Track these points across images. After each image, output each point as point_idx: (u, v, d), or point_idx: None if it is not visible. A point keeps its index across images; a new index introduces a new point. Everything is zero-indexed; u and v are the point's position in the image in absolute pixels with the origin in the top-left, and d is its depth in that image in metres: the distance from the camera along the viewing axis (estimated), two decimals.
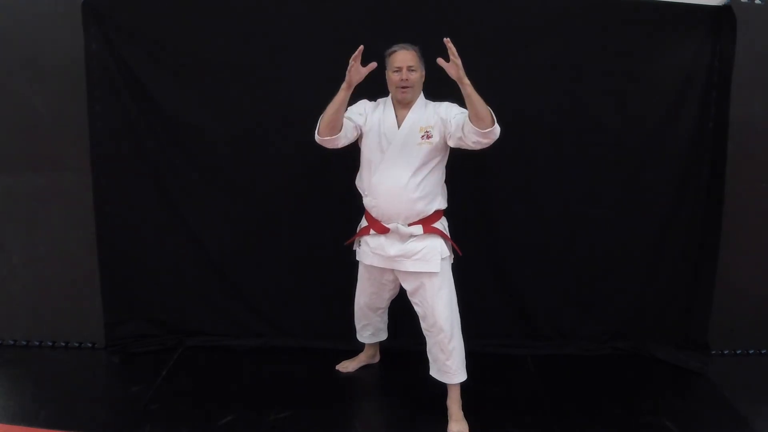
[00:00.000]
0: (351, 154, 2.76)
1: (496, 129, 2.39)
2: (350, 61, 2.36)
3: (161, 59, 3.08)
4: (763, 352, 3.42)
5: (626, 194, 3.23)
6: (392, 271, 2.74)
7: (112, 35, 3.03)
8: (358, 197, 2.77)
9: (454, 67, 2.31)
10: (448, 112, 2.57)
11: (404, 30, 2.85)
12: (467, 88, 2.33)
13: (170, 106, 3.13)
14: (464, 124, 2.43)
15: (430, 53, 2.75)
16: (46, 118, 3.13)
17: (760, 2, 3.08)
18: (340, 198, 3.07)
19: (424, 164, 2.58)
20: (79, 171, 3.15)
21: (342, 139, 2.56)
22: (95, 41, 3.03)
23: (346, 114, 2.56)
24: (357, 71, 2.38)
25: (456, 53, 2.30)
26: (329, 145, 2.57)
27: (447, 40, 2.29)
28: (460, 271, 2.77)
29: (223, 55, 3.08)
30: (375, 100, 2.73)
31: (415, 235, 2.63)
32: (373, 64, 2.40)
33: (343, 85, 2.42)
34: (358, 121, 2.63)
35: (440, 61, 2.33)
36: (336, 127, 2.50)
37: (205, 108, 3.14)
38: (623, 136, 3.17)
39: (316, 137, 2.55)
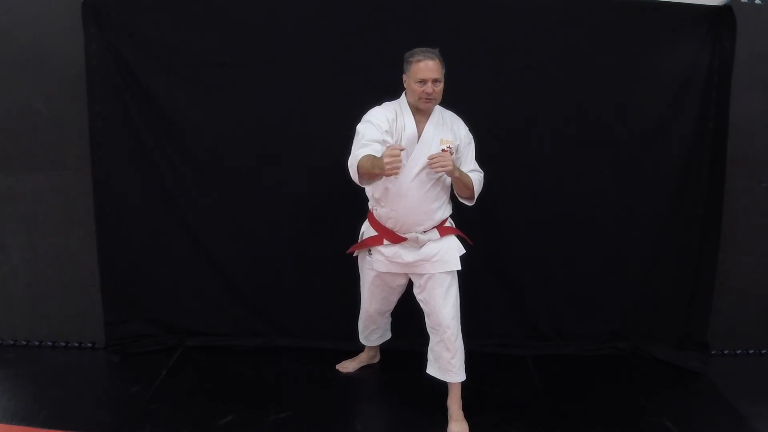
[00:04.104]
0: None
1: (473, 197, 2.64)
2: (392, 161, 2.20)
3: (161, 59, 3.07)
4: (763, 352, 3.42)
5: (626, 194, 3.23)
6: (405, 274, 2.73)
7: (112, 35, 3.03)
8: (359, 197, 2.77)
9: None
10: (465, 157, 2.65)
11: (404, 30, 2.85)
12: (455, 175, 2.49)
13: (170, 106, 3.12)
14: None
15: None
16: (46, 118, 3.13)
17: (760, 2, 3.08)
18: (340, 198, 3.07)
19: (441, 175, 2.55)
20: (79, 171, 3.15)
21: None
22: (95, 41, 3.03)
23: (378, 137, 2.43)
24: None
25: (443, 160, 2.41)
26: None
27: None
28: (461, 270, 2.76)
29: (223, 55, 3.07)
30: (381, 104, 2.62)
31: (432, 240, 2.64)
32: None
33: (379, 172, 2.28)
34: (389, 141, 2.47)
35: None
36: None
37: (205, 108, 3.13)
38: (623, 135, 3.17)
39: (355, 180, 2.41)
